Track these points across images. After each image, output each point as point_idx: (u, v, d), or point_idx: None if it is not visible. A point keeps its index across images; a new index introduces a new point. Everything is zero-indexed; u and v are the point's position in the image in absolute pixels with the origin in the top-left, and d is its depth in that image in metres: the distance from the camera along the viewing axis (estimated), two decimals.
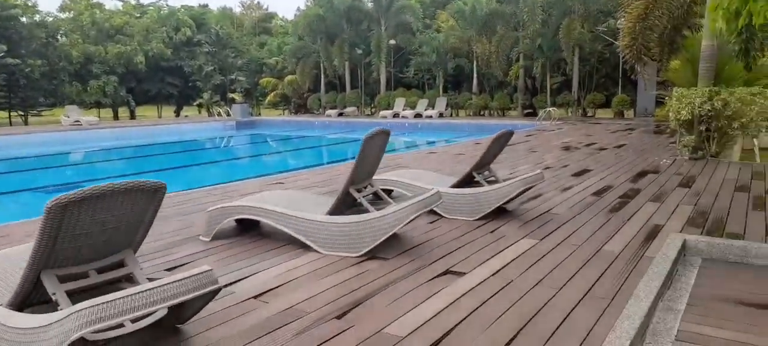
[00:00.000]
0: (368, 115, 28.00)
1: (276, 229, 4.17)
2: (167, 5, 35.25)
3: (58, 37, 30.44)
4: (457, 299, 3.08)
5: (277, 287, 3.29)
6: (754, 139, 9.53)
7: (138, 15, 34.00)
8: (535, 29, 21.36)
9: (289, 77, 31.00)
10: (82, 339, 2.33)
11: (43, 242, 2.28)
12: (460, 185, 5.20)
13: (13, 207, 8.97)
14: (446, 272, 3.53)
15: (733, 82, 9.22)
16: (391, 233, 3.76)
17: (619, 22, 20.30)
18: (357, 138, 21.52)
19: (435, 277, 3.44)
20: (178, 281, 2.25)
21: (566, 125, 18.01)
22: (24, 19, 27.84)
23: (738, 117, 8.36)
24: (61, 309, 2.31)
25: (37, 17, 29.19)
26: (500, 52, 22.59)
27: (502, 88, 25.25)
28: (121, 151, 17.95)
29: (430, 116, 23.44)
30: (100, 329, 2.04)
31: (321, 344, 2.55)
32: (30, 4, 28.06)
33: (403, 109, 24.97)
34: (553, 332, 2.64)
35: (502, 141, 5.26)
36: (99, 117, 31.32)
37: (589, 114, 22.64)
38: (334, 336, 2.62)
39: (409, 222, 3.96)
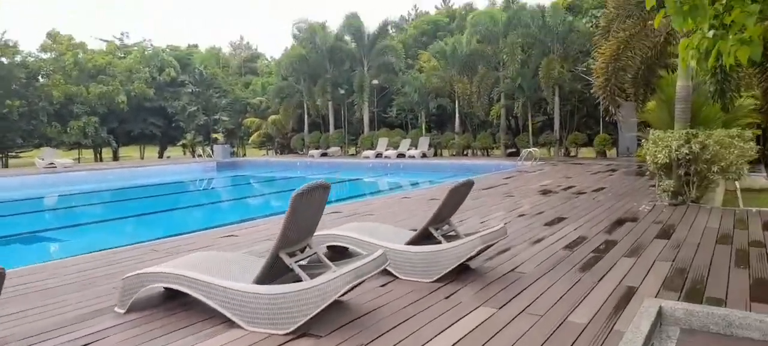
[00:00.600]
0: (352, 155, 27.70)
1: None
2: (152, 46, 35.12)
3: (39, 77, 30.09)
4: None
5: None
6: (736, 183, 9.26)
7: (121, 55, 33.84)
8: (515, 69, 21.36)
9: (273, 117, 30.75)
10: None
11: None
12: (416, 241, 4.77)
13: None
14: None
15: (711, 123, 9.00)
16: (325, 306, 3.31)
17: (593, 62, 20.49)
18: (341, 179, 21.26)
19: None
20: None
21: (548, 166, 17.77)
22: (3, 60, 27.51)
23: (717, 160, 8.09)
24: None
25: (17, 58, 28.91)
26: (481, 91, 22.53)
27: (484, 128, 25.13)
28: (85, 196, 17.37)
29: (413, 156, 23.17)
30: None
31: None
32: (10, 44, 27.78)
33: (387, 149, 24.70)
34: None
35: (461, 192, 4.87)
36: (79, 158, 30.80)
37: (571, 153, 22.49)
38: None
39: (352, 289, 3.53)
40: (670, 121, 9.12)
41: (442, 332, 3.43)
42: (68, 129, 28.46)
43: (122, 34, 34.53)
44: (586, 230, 6.76)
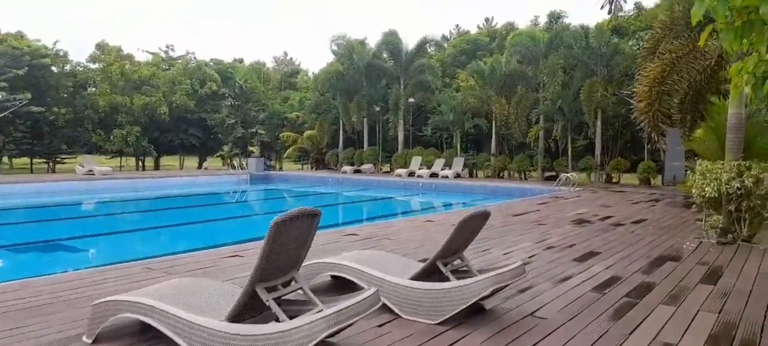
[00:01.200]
0: (385, 172, 27.37)
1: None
2: (195, 59, 35.96)
3: (87, 87, 31.18)
4: None
5: None
6: None
7: (166, 67, 34.75)
8: (556, 90, 20.61)
9: (308, 132, 30.83)
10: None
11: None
12: (422, 276, 4.32)
13: None
14: None
15: (766, 155, 8.19)
16: None
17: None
18: (372, 196, 20.94)
19: None
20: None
21: (586, 192, 16.92)
22: (54, 69, 28.62)
23: None
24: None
25: (67, 67, 30.05)
26: (519, 113, 21.85)
27: (522, 150, 24.36)
28: (112, 205, 17.59)
29: (446, 176, 22.64)
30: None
31: None
32: (61, 54, 28.90)
33: (420, 168, 24.27)
34: None
35: (473, 224, 4.40)
36: (120, 166, 31.65)
37: (613, 180, 21.47)
38: None
39: (341, 330, 3.13)
40: (719, 151, 8.36)
41: None
42: (111, 137, 29.27)
43: (167, 46, 35.55)
44: (621, 269, 6.13)
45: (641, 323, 4.21)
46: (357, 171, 26.62)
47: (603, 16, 32.30)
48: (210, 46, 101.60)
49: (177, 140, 33.05)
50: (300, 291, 3.48)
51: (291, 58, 66.30)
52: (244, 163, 27.47)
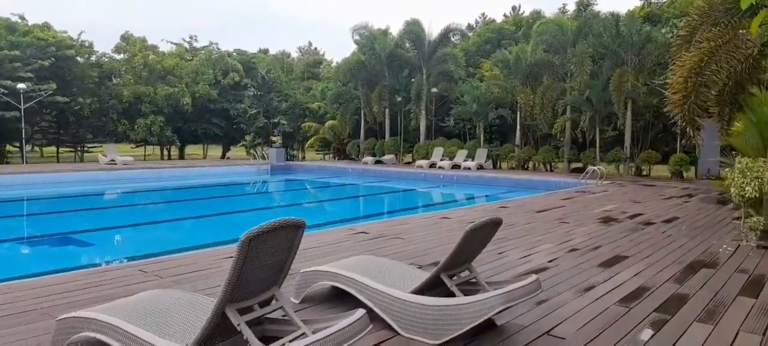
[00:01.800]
0: (407, 163, 26.94)
1: None
2: (218, 49, 35.99)
3: (112, 77, 31.48)
4: None
5: None
6: None
7: (189, 57, 34.86)
8: (584, 80, 19.80)
9: (330, 122, 30.58)
10: None
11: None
12: (425, 289, 3.92)
13: None
14: None
15: None
16: None
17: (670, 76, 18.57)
18: (390, 188, 20.58)
19: None
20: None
21: (614, 186, 16.21)
22: (79, 59, 28.92)
23: None
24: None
25: (93, 58, 30.35)
26: (545, 103, 21.09)
27: (548, 141, 23.61)
28: (130, 197, 17.59)
29: (469, 168, 22.09)
30: None
31: None
32: (86, 45, 29.18)
33: (442, 160, 23.77)
34: None
35: (482, 234, 3.97)
36: (144, 155, 31.95)
37: (643, 172, 20.60)
38: None
39: None
40: (761, 147, 7.70)
41: None
42: (135, 127, 29.52)
43: (191, 37, 35.61)
44: (650, 276, 5.61)
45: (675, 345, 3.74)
46: (378, 162, 26.26)
47: (634, 2, 30.95)
48: (234, 37, 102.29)
49: (200, 130, 33.18)
50: (280, 311, 3.11)
51: (315, 48, 66.10)
52: (265, 153, 27.37)
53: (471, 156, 23.57)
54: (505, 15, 48.35)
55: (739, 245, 7.31)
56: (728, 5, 8.67)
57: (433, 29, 27.46)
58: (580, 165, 22.09)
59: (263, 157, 26.45)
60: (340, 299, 4.47)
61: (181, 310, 3.10)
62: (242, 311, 2.80)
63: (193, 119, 32.34)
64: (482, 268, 5.72)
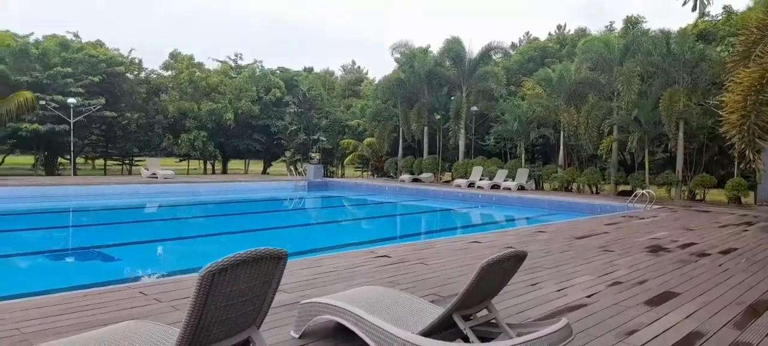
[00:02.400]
0: (445, 182, 26.35)
1: None
2: (262, 67, 36.58)
3: (159, 93, 32.42)
4: None
5: None
6: None
7: (234, 75, 35.56)
8: (631, 99, 18.81)
9: (368, 139, 30.40)
10: None
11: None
12: (435, 330, 3.44)
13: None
14: None
15: None
16: None
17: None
18: (427, 207, 20.07)
19: None
20: None
21: (665, 211, 15.17)
22: (129, 76, 29.92)
23: None
24: None
25: (142, 74, 31.36)
26: (590, 122, 20.19)
27: (592, 163, 22.56)
28: (165, 211, 17.70)
29: (509, 188, 21.34)
30: None
31: None
32: (135, 62, 30.16)
33: (481, 179, 23.10)
34: None
35: (503, 269, 3.47)
36: (188, 169, 32.61)
37: (697, 197, 19.31)
38: None
39: None
40: None
41: None
42: (179, 142, 30.17)
43: (236, 55, 36.31)
44: (705, 319, 4.92)
45: None
46: (415, 180, 25.81)
47: (686, 20, 29.58)
48: (279, 56, 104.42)
49: (242, 145, 33.65)
50: None
51: (358, 67, 66.53)
52: (302, 169, 27.38)
53: (511, 176, 22.81)
54: (550, 33, 47.35)
55: None
56: None
57: (473, 47, 26.97)
58: (627, 188, 20.97)
59: (300, 173, 26.42)
60: (345, 334, 4.04)
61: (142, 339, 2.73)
62: None
63: (235, 135, 32.83)
64: (508, 302, 5.19)
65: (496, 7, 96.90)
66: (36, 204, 16.22)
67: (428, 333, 3.38)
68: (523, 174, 22.51)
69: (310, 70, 55.13)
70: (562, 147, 22.57)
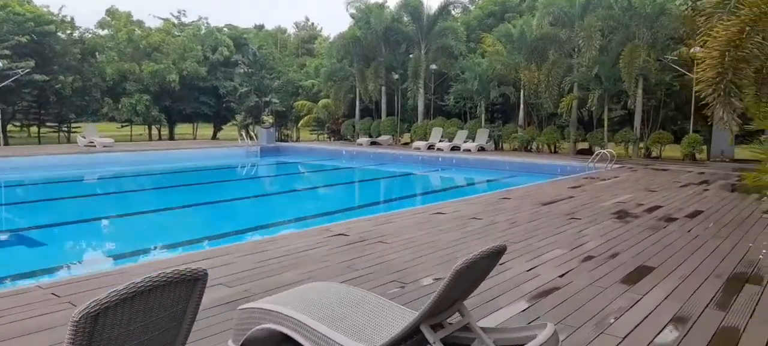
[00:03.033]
0: (405, 144, 25.77)
1: None
2: (207, 24, 34.56)
3: (96, 54, 30.16)
4: None
5: None
6: None
7: (177, 33, 33.46)
8: (592, 56, 18.50)
9: (323, 101, 29.32)
10: None
11: None
12: (399, 342, 2.83)
13: None
14: None
15: None
16: None
17: (693, 50, 17.24)
18: (386, 172, 19.46)
19: None
20: None
21: (625, 170, 15.09)
22: (61, 35, 27.60)
23: None
24: None
25: (76, 34, 29.02)
26: (551, 80, 19.84)
27: (552, 121, 22.39)
28: (99, 184, 16.40)
29: (469, 150, 20.95)
30: None
31: None
32: (67, 20, 27.81)
33: (440, 141, 22.61)
34: None
35: (483, 266, 2.88)
36: (131, 135, 30.80)
37: (653, 154, 19.44)
38: None
39: None
40: None
41: None
42: (120, 106, 28.33)
43: (179, 12, 34.12)
44: (686, 299, 4.52)
45: None
46: (374, 143, 25.12)
47: None
48: (228, 12, 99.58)
49: (189, 109, 31.94)
50: None
51: (312, 24, 64.35)
52: (254, 134, 26.21)
53: (471, 137, 22.42)
54: None
55: None
56: None
57: (432, 2, 26.07)
58: (586, 146, 20.95)
59: (252, 139, 25.28)
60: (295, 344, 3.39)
61: None
62: None
63: (181, 98, 31.08)
64: (476, 289, 4.64)
65: None
66: None
67: (391, 343, 2.77)
68: (483, 135, 22.15)
69: (260, 27, 52.81)
70: (522, 106, 22.25)
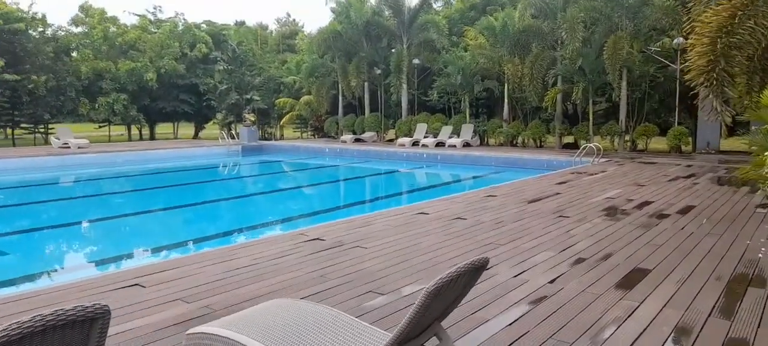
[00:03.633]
0: (389, 141, 25.35)
1: None
2: (184, 20, 33.73)
3: (71, 52, 29.23)
4: None
5: None
6: None
7: (154, 30, 32.61)
8: (575, 48, 18.22)
9: (305, 98, 28.77)
10: None
11: None
12: None
13: None
14: None
15: None
16: None
17: (675, 41, 17.04)
18: (369, 170, 19.02)
19: None
20: None
21: (612, 164, 14.84)
22: (32, 33, 26.66)
23: None
24: None
25: (48, 31, 28.07)
26: (535, 73, 19.54)
27: (537, 115, 22.12)
28: (69, 188, 15.65)
29: (454, 145, 20.60)
30: None
31: None
32: (38, 17, 26.87)
33: (425, 136, 22.23)
34: None
35: (461, 283, 2.47)
36: (109, 136, 29.94)
37: (639, 147, 19.25)
38: None
39: None
40: None
41: None
42: (97, 106, 27.48)
43: (155, 8, 33.30)
44: (686, 306, 4.16)
45: None
46: (358, 140, 24.67)
47: None
48: (204, 9, 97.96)
49: (169, 108, 31.14)
50: None
51: (294, 20, 63.62)
52: (235, 132, 25.58)
53: (456, 132, 22.07)
54: None
55: None
56: None
57: None
58: (571, 140, 20.71)
59: (233, 137, 24.66)
60: None
61: None
62: None
63: (160, 96, 30.29)
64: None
65: None
66: None
67: None
68: (467, 130, 21.80)
69: (241, 23, 51.94)
70: (506, 100, 21.94)
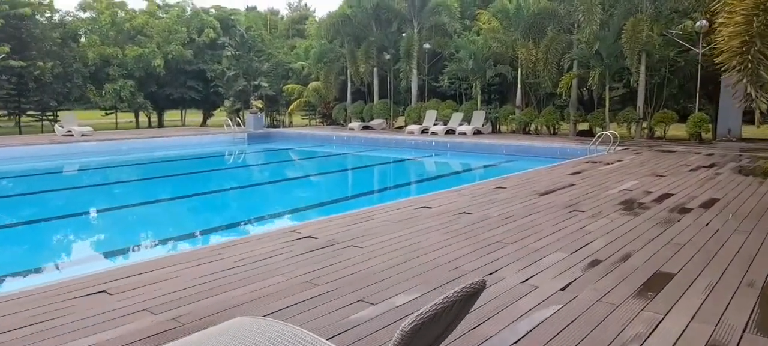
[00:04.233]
0: (398, 128, 24.82)
1: None
2: (192, 4, 33.31)
3: (77, 38, 28.98)
4: None
5: None
6: None
7: (162, 15, 32.25)
8: (593, 32, 17.48)
9: (314, 84, 28.27)
10: None
11: None
12: None
13: None
14: None
15: None
16: None
17: (698, 23, 16.23)
18: (376, 159, 18.53)
19: None
20: None
21: (629, 153, 14.19)
22: (39, 18, 26.43)
23: None
24: None
25: (56, 17, 27.83)
26: (549, 58, 18.85)
27: (551, 102, 21.42)
28: (70, 178, 15.31)
29: (465, 133, 20.03)
30: None
31: None
32: (45, 2, 26.62)
33: (435, 124, 21.67)
34: None
35: (452, 313, 2.01)
36: (116, 123, 29.77)
37: (656, 134, 18.52)
38: None
39: None
40: None
41: None
42: (104, 92, 27.26)
43: None
44: (716, 320, 3.65)
45: None
46: (366, 127, 24.19)
47: None
48: None
49: (176, 94, 30.83)
50: None
51: (305, 4, 62.85)
52: (241, 120, 25.22)
53: (467, 119, 21.48)
54: None
55: None
56: None
57: None
58: (586, 127, 20.03)
59: (239, 125, 24.29)
60: None
61: None
62: None
63: (167, 83, 29.99)
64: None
65: None
66: None
67: None
68: (479, 117, 21.19)
69: (253, 8, 51.42)
70: (519, 86, 21.26)
